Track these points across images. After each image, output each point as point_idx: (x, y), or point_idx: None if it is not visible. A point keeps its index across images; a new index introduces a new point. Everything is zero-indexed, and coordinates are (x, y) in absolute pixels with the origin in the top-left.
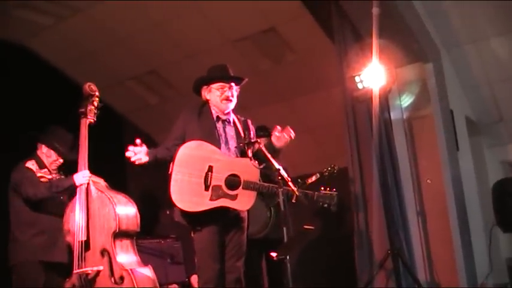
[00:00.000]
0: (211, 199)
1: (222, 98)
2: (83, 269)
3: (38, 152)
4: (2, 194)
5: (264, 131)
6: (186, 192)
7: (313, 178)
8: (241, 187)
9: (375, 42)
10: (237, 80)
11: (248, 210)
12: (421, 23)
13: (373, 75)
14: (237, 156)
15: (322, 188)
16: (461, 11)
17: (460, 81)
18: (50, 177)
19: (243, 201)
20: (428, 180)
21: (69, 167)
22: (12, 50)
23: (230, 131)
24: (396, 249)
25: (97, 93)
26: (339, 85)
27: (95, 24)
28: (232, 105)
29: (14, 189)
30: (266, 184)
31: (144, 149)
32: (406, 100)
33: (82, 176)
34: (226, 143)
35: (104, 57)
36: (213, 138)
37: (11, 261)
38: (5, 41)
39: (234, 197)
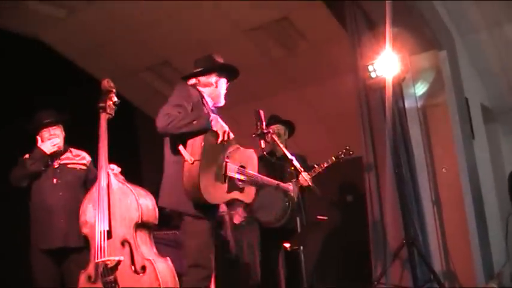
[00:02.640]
0: (228, 191)
1: (224, 94)
2: (103, 259)
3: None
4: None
5: (275, 119)
6: (211, 184)
7: (329, 162)
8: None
9: (388, 30)
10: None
11: (263, 199)
12: (435, 10)
13: (386, 63)
14: None
15: None
16: None
17: (475, 68)
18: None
19: (249, 193)
20: (443, 169)
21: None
22: (27, 43)
23: None
24: (411, 239)
25: (114, 90)
26: (352, 74)
27: (107, 16)
28: None
29: None
30: (265, 178)
31: None
32: (420, 88)
33: (50, 145)
34: None
35: (117, 49)
36: None
37: None
38: (19, 33)
39: (242, 190)
